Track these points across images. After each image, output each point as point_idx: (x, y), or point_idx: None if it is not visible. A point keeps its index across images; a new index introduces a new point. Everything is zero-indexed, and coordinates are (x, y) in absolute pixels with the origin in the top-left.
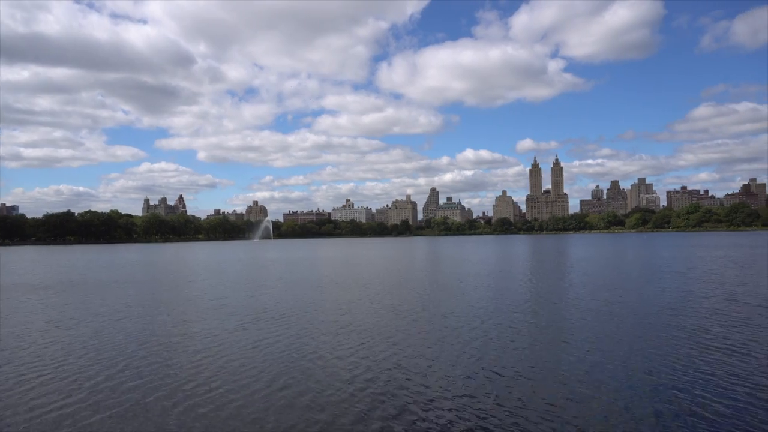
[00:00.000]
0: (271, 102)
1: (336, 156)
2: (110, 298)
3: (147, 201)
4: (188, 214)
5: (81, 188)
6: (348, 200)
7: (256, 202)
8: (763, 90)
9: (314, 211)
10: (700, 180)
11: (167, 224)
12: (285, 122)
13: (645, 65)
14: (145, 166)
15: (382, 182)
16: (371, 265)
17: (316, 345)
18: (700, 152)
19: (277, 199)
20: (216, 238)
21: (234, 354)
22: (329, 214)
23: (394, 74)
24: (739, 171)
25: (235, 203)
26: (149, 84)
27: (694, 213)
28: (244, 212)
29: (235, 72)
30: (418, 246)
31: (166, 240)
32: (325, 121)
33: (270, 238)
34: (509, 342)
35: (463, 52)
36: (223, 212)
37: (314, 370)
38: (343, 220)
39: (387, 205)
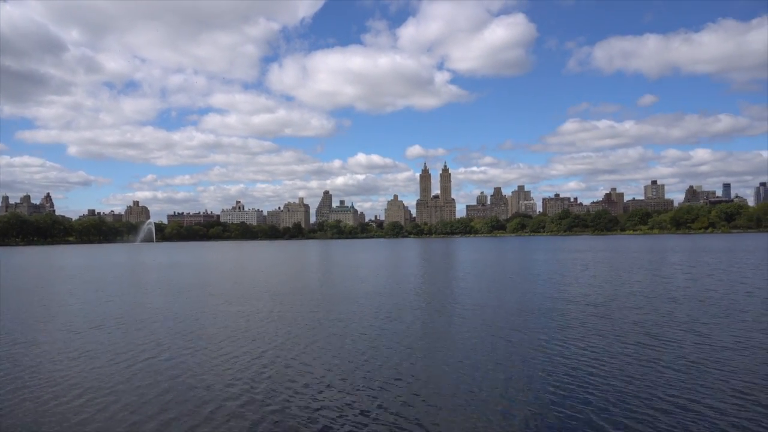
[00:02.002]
0: (154, 97)
1: (225, 156)
2: None
3: (6, 199)
4: (57, 214)
5: None
6: (238, 202)
7: (137, 202)
8: (618, 110)
9: (202, 213)
10: (570, 188)
11: (30, 225)
12: (169, 119)
13: (521, 82)
14: (3, 159)
15: (274, 184)
16: (254, 269)
17: (156, 353)
18: (569, 163)
19: (161, 199)
20: (90, 241)
21: (61, 363)
22: (218, 216)
23: (285, 76)
24: (602, 181)
25: (113, 203)
26: (12, 69)
27: (565, 219)
28: (123, 213)
29: (113, 63)
30: (310, 249)
31: (29, 243)
32: (213, 120)
33: (152, 241)
34: (378, 346)
35: (352, 58)
36: (99, 213)
37: (148, 376)
38: (232, 223)
39: (279, 208)
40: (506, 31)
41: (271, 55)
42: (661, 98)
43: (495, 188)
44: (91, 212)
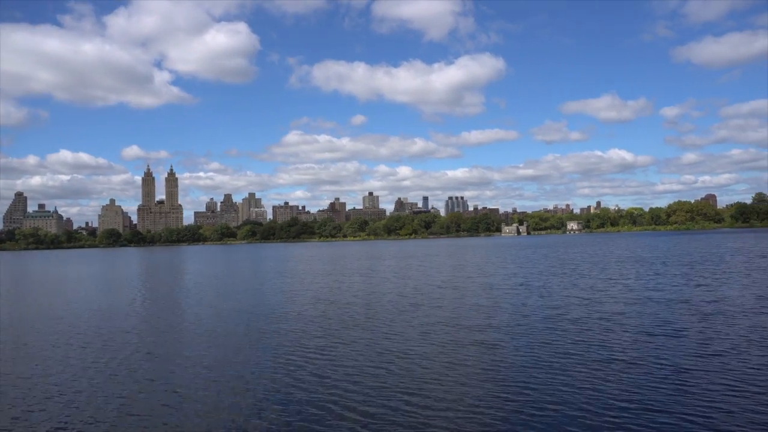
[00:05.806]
0: None
1: None
2: None
3: None
4: None
5: None
6: None
7: None
8: (335, 126)
9: None
10: (298, 197)
11: None
12: None
13: (245, 90)
14: None
15: None
16: None
17: None
18: (294, 173)
19: None
20: None
21: None
22: None
23: None
24: (325, 191)
25: None
26: None
27: (294, 226)
28: None
29: None
30: None
31: None
32: None
33: None
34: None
35: (47, 39)
36: None
37: None
38: None
39: None
40: (228, 39)
41: None
42: (370, 119)
43: (225, 195)
44: None
